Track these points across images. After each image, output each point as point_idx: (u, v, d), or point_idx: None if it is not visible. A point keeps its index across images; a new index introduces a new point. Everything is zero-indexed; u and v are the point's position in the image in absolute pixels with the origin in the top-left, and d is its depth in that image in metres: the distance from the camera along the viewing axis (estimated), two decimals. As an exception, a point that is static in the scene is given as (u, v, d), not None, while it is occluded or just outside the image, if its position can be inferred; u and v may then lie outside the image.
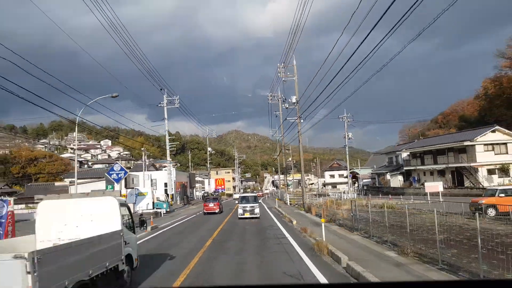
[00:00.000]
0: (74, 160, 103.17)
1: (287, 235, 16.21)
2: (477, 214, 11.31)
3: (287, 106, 34.70)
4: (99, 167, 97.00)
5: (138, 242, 10.56)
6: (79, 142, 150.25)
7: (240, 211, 25.40)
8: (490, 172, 38.48)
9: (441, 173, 43.10)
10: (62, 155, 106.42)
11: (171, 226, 22.48)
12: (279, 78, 34.84)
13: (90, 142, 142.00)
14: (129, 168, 74.98)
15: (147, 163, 59.76)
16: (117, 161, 40.62)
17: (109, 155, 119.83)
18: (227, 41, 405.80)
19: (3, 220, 12.28)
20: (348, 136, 50.84)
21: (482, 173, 38.46)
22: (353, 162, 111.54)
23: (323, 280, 8.21)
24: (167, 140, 40.24)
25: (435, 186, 33.30)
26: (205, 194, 67.54)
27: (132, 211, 10.18)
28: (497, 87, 61.94)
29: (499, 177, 37.93)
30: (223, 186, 76.84)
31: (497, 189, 19.21)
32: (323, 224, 13.89)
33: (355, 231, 16.09)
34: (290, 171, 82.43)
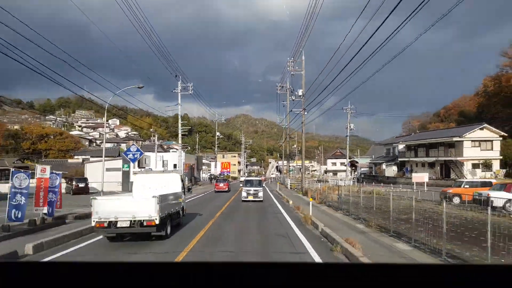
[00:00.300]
0: (83, 138, 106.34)
1: (282, 211, 19.75)
2: (444, 201, 14.67)
3: (294, 98, 37.99)
4: (108, 146, 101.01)
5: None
6: (87, 120, 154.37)
7: (244, 194, 25.82)
8: (474, 166, 41.73)
9: (431, 165, 46.39)
10: (71, 132, 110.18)
11: (187, 200, 26.27)
12: (288, 71, 37.92)
13: (98, 121, 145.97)
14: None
15: (146, 143, 63.43)
16: (133, 143, 44.00)
17: (117, 134, 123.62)
18: (240, 23, 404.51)
19: (57, 190, 15.64)
20: (350, 127, 54.04)
21: (467, 167, 41.73)
22: (357, 150, 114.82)
23: (302, 236, 11.73)
24: (179, 125, 43.61)
25: (421, 177, 36.75)
26: (212, 176, 71.56)
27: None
28: (496, 85, 64.55)
29: (482, 171, 41.19)
30: (228, 170, 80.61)
31: (463, 181, 22.56)
32: (311, 203, 17.43)
33: (339, 210, 19.62)
34: (294, 157, 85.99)
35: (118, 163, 43.56)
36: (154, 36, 51.96)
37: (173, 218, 12.62)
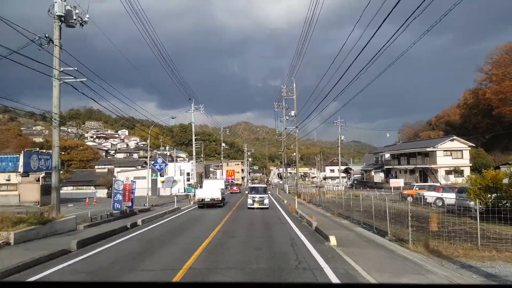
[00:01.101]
0: (100, 149, 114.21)
1: (278, 207, 27.85)
2: (386, 199, 22.62)
3: (288, 118, 46.15)
4: (120, 157, 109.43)
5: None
6: (97, 131, 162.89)
7: (249, 201, 26.57)
8: (447, 172, 49.64)
9: (412, 172, 54.32)
10: (87, 143, 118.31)
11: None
12: (282, 96, 46.12)
13: (108, 131, 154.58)
14: (146, 157, 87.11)
15: (160, 153, 71.76)
16: (159, 156, 51.87)
17: (127, 144, 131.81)
18: (240, 31, 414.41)
19: (134, 191, 23.32)
20: (341, 138, 62.13)
21: (441, 173, 49.63)
22: (351, 158, 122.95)
23: (287, 217, 19.81)
24: (193, 143, 51.58)
25: (398, 182, 44.73)
26: (226, 182, 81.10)
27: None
28: (475, 98, 72.56)
29: (454, 177, 49.07)
30: (233, 177, 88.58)
31: (414, 185, 30.59)
32: (296, 201, 25.58)
33: (319, 207, 27.67)
34: (293, 164, 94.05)
35: (142, 172, 51.58)
36: (162, 50, 59.85)
37: (223, 200, 28.69)
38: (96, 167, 75.43)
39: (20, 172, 29.08)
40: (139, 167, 59.55)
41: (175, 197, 31.41)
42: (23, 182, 29.88)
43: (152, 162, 45.53)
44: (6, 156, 30.39)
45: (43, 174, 29.92)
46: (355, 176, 75.69)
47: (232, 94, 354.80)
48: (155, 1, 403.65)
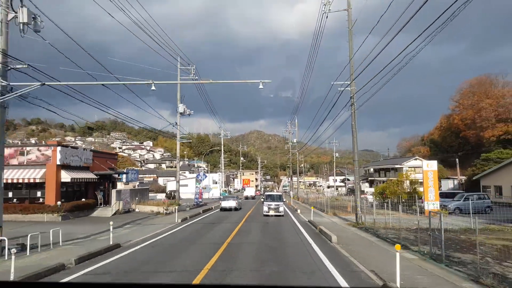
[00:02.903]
0: (136, 160, 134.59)
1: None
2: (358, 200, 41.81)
3: (292, 142, 65.62)
4: (151, 167, 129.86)
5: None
6: (122, 142, 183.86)
7: (265, 208, 29.27)
8: (411, 183, 68.23)
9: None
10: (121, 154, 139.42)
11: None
12: (288, 128, 65.73)
13: (135, 143, 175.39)
14: (172, 167, 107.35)
15: (181, 164, 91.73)
16: (202, 170, 71.62)
17: (153, 155, 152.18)
18: (253, 41, 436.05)
19: (201, 193, 43.05)
20: (335, 155, 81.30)
21: (406, 183, 68.28)
22: (345, 169, 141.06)
23: (286, 208, 39.27)
24: (222, 162, 71.11)
25: (371, 190, 63.51)
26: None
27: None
28: (448, 122, 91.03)
29: (417, 187, 67.64)
30: (248, 185, 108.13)
31: (368, 191, 49.70)
32: (291, 199, 45.10)
33: (307, 204, 47.02)
34: (301, 174, 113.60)
35: (184, 181, 71.18)
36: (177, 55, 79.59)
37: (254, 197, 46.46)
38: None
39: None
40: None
41: (215, 199, 51.01)
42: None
43: (196, 175, 65.34)
44: (133, 169, 50.30)
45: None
46: (349, 185, 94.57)
47: (244, 102, 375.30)
48: (172, 11, 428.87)
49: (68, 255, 11.65)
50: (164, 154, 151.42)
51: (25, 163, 24.07)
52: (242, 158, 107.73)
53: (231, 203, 34.69)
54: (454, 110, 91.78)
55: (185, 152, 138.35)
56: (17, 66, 12.13)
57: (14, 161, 24.07)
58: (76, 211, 24.32)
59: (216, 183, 77.59)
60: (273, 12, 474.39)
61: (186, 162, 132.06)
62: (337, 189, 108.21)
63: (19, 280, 8.13)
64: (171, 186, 69.51)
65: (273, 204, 29.01)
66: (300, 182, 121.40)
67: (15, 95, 11.84)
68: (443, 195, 32.77)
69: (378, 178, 76.74)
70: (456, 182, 61.01)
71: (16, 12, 12.03)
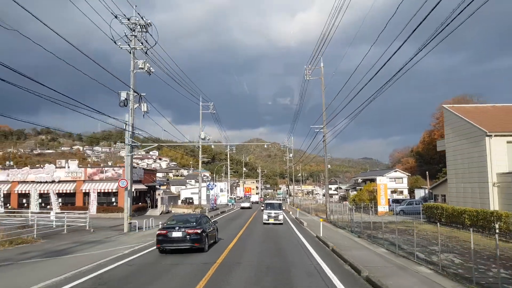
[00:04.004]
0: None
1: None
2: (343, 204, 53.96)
3: (289, 157, 77.88)
4: (159, 175, 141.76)
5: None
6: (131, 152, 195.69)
7: (265, 216, 29.45)
8: (392, 192, 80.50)
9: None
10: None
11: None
12: (285, 143, 78.13)
13: (141, 152, 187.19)
14: (178, 176, 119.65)
15: (188, 173, 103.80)
16: (214, 182, 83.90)
17: (160, 165, 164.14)
18: (253, 49, 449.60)
19: (215, 199, 55.21)
20: (328, 166, 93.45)
21: (387, 192, 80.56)
22: (337, 179, 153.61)
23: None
24: (228, 172, 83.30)
25: (355, 198, 75.70)
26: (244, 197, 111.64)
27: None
28: (429, 137, 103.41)
29: (397, 195, 79.89)
30: (250, 193, 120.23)
31: (349, 198, 61.86)
32: (287, 205, 57.47)
33: (298, 208, 59.29)
34: (298, 182, 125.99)
35: (195, 189, 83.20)
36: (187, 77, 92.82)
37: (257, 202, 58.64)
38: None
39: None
40: (188, 185, 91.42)
41: (223, 204, 63.04)
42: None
43: (207, 184, 77.55)
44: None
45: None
46: (341, 193, 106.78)
47: (244, 110, 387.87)
48: (173, 20, 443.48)
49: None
50: (170, 164, 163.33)
51: (104, 179, 36.35)
52: (244, 169, 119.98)
53: (246, 204, 56.93)
54: (435, 126, 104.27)
55: (190, 162, 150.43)
56: (139, 132, 24.52)
57: (97, 177, 36.35)
58: (137, 211, 36.50)
59: (221, 191, 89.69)
60: (274, 21, 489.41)
61: (191, 171, 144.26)
62: (331, 196, 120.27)
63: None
64: (184, 193, 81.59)
65: (272, 212, 29.68)
66: (298, 190, 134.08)
67: (141, 150, 24.27)
68: (394, 201, 44.77)
69: (363, 187, 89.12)
70: (427, 191, 73.25)
71: (138, 104, 24.34)
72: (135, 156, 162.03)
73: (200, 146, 45.67)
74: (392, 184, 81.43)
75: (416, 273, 10.62)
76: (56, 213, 25.94)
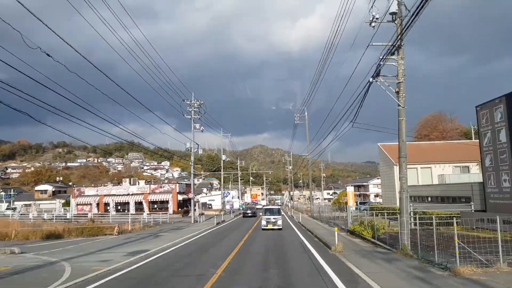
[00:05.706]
0: (165, 179, 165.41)
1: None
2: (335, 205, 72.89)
3: (289, 169, 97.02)
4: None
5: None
6: (140, 161, 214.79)
7: (263, 222, 30.57)
8: (375, 196, 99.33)
9: (362, 196, 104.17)
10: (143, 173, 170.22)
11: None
12: (286, 158, 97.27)
13: (153, 162, 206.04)
14: (188, 185, 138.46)
15: (200, 182, 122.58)
16: (215, 187, 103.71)
17: (172, 174, 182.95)
18: (256, 56, 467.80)
19: (232, 204, 74.33)
20: (323, 175, 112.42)
21: (372, 196, 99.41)
22: (362, 175, 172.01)
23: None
24: (239, 181, 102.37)
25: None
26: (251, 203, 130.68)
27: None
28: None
29: (379, 198, 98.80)
30: (256, 199, 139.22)
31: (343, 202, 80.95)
32: (288, 208, 76.65)
33: (293, 208, 78.30)
34: (301, 188, 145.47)
35: (211, 197, 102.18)
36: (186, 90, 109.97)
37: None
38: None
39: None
40: (204, 194, 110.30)
41: (235, 209, 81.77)
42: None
43: (223, 192, 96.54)
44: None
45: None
46: (335, 198, 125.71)
47: (248, 116, 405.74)
48: (179, 29, 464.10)
49: (216, 221, 42.89)
50: (181, 173, 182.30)
51: (162, 192, 55.55)
52: (251, 178, 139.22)
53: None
54: (416, 139, 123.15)
55: (201, 172, 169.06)
56: (197, 165, 44.09)
57: (157, 191, 55.58)
58: (184, 213, 55.53)
59: (232, 197, 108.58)
60: (275, 27, 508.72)
61: (201, 180, 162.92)
62: (329, 201, 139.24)
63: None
64: (202, 200, 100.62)
65: (271, 217, 30.37)
66: (300, 195, 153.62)
67: (199, 177, 44.08)
68: (361, 203, 63.50)
69: (356, 192, 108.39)
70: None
71: (195, 146, 43.48)
72: (148, 167, 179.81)
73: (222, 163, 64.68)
74: (375, 189, 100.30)
75: (328, 228, 29.59)
76: (147, 214, 45.10)
